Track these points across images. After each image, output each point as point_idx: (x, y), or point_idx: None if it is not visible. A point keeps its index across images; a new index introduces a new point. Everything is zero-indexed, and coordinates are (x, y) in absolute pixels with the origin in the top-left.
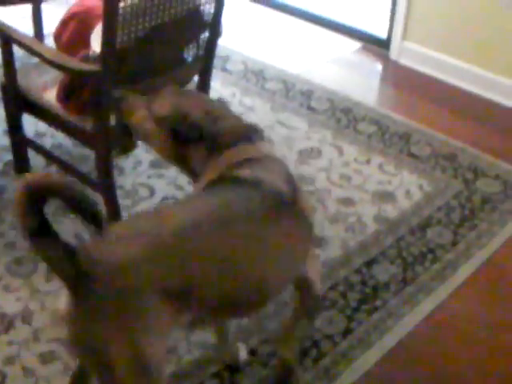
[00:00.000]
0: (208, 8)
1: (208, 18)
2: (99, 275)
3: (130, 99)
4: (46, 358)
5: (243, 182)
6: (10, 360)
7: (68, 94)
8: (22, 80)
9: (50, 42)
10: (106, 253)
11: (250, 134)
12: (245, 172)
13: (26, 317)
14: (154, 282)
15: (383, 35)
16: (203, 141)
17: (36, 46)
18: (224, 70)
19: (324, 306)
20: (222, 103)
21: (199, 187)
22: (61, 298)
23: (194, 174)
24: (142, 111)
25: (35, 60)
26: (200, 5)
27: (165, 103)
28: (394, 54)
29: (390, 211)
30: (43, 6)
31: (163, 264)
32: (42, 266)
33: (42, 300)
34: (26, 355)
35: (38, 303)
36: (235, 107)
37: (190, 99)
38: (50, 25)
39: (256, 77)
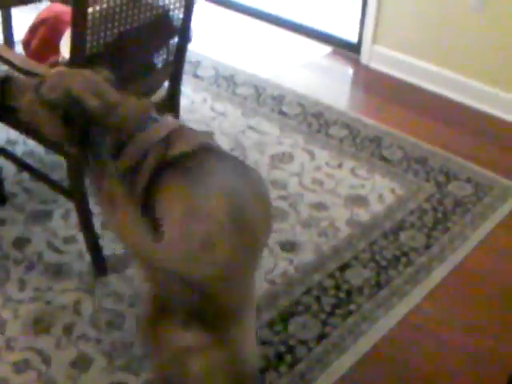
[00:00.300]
0: (177, 13)
1: (177, 23)
2: None
3: (16, 81)
4: (19, 367)
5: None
6: None
7: None
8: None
9: (20, 49)
10: None
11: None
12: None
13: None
14: None
15: (353, 39)
16: (99, 126)
17: (4, 53)
18: (195, 75)
19: (298, 311)
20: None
21: (111, 170)
22: None
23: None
24: (30, 94)
25: (4, 67)
26: (169, 10)
27: (54, 86)
28: (364, 58)
29: (363, 215)
30: (13, 12)
31: None
32: (15, 275)
33: (15, 308)
34: None
35: (11, 312)
36: (206, 112)
37: (81, 81)
38: (20, 32)
39: (227, 82)
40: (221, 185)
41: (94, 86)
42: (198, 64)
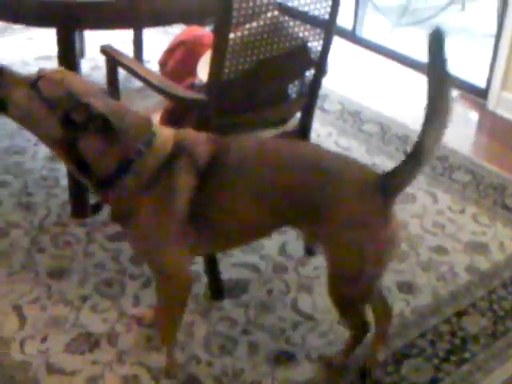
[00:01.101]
0: (315, 45)
1: (315, 55)
2: None
3: (9, 73)
4: (128, 381)
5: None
6: (92, 379)
7: (171, 120)
8: (124, 103)
9: (149, 67)
10: None
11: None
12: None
13: (112, 338)
14: None
15: (482, 84)
16: (101, 133)
17: (143, 72)
18: (322, 109)
19: (412, 353)
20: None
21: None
22: None
23: (78, 164)
24: (25, 89)
25: (136, 84)
26: (307, 42)
27: (55, 84)
28: (491, 103)
29: (483, 263)
30: (144, 32)
31: None
32: (131, 290)
33: (128, 323)
34: (109, 376)
35: (124, 326)
36: (331, 147)
37: (83, 83)
38: (149, 51)
39: (353, 117)
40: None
41: (96, 92)
42: (325, 97)
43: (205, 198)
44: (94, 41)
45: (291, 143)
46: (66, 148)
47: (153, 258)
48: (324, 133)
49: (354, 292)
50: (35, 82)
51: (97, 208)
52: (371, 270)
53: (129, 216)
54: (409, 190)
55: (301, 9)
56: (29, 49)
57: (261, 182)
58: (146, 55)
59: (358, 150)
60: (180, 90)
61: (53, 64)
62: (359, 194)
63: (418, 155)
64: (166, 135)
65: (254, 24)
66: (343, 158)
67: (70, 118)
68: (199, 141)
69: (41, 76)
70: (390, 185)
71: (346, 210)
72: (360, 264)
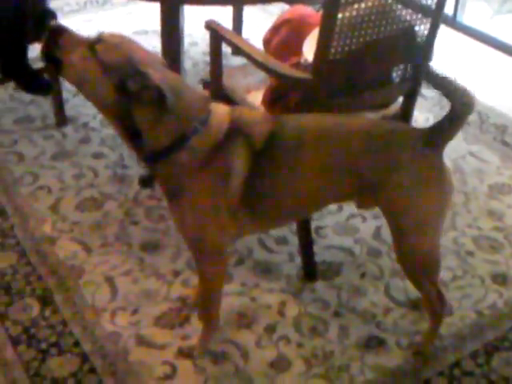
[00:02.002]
0: (422, 29)
1: (421, 39)
2: None
3: (69, 33)
4: (218, 358)
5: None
6: (182, 354)
7: (275, 98)
8: (226, 80)
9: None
10: None
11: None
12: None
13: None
14: None
15: None
16: (155, 105)
17: (248, 48)
18: (420, 94)
19: (503, 346)
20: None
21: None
22: None
23: (130, 133)
24: (83, 50)
25: (236, 61)
26: (415, 25)
27: (113, 48)
28: None
29: None
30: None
31: None
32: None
33: (224, 299)
34: (198, 352)
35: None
36: None
37: (143, 52)
38: (248, 29)
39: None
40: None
41: (154, 62)
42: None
43: (261, 177)
44: (192, 17)
45: (343, 116)
46: (118, 115)
47: (196, 237)
48: (421, 119)
49: (422, 249)
50: (94, 44)
51: (146, 183)
52: (434, 222)
53: (178, 193)
54: (506, 180)
55: None
56: (127, 23)
57: (323, 156)
58: (244, 33)
59: (455, 138)
60: (286, 69)
61: (149, 38)
62: (416, 151)
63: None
64: (222, 113)
65: (363, 5)
66: (392, 122)
67: (124, 85)
68: (255, 120)
69: (99, 39)
70: (437, 138)
71: (407, 169)
72: (424, 217)
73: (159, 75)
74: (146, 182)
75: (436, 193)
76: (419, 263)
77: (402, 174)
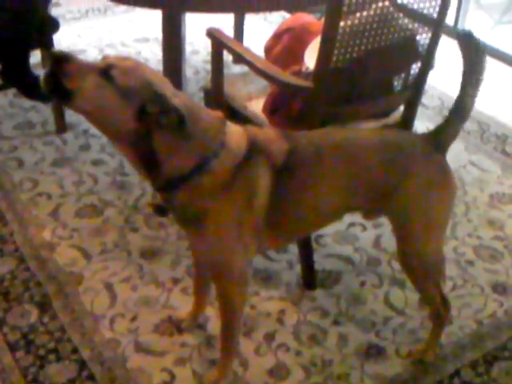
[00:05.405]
0: (424, 38)
1: (422, 48)
2: None
3: (76, 61)
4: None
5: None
6: (181, 361)
7: (276, 106)
8: (227, 87)
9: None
10: None
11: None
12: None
13: (202, 322)
14: None
15: None
16: (174, 128)
17: (249, 56)
18: (421, 103)
19: (503, 355)
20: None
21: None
22: None
23: (146, 161)
24: (95, 77)
25: (237, 69)
26: (416, 34)
27: (129, 72)
28: None
29: None
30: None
31: None
32: None
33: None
34: (197, 359)
35: (215, 311)
36: None
37: (158, 75)
38: (249, 38)
39: None
40: None
41: (168, 85)
42: (424, 92)
43: (284, 194)
44: (193, 26)
45: (352, 129)
46: (134, 143)
47: (223, 261)
48: (422, 128)
49: (428, 250)
50: (106, 71)
51: (163, 211)
52: (442, 222)
53: (198, 218)
54: (506, 190)
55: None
56: (128, 30)
57: (342, 170)
58: (245, 42)
59: (455, 147)
60: (287, 77)
61: (150, 46)
62: (426, 156)
63: (461, 111)
64: (238, 133)
65: (365, 13)
66: (399, 130)
67: (144, 110)
68: (272, 138)
69: (111, 64)
70: (441, 141)
71: (418, 175)
72: (433, 218)
73: (177, 99)
74: (162, 211)
75: (444, 194)
76: (425, 265)
77: (413, 180)
